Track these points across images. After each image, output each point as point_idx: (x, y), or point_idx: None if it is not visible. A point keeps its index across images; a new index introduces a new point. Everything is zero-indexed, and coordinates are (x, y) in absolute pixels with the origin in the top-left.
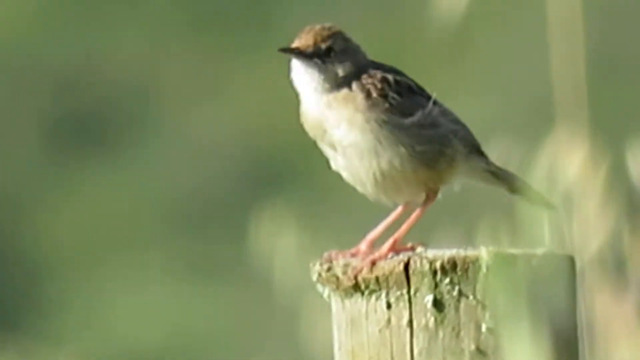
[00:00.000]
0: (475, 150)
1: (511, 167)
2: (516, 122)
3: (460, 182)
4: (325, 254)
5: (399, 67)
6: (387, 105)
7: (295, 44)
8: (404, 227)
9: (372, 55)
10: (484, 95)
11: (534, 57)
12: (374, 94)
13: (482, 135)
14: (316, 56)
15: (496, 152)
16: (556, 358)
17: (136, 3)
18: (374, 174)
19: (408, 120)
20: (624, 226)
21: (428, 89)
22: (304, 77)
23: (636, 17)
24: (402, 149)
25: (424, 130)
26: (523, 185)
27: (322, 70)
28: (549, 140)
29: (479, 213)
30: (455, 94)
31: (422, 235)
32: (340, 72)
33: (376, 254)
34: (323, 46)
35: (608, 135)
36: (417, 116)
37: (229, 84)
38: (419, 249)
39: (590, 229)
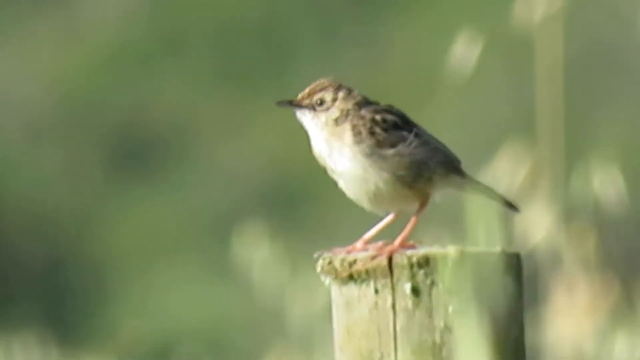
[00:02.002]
0: (454, 169)
1: (481, 179)
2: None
3: (443, 193)
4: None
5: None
6: (374, 140)
7: (298, 97)
8: (407, 229)
9: (373, 94)
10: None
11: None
12: (363, 132)
13: (463, 153)
14: (309, 106)
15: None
16: (501, 337)
17: (178, 58)
18: (367, 194)
19: (390, 151)
20: (562, 225)
21: (419, 119)
22: (304, 122)
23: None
24: (385, 174)
25: (404, 158)
26: (493, 193)
27: (313, 116)
28: (502, 155)
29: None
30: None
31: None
32: (331, 116)
33: (390, 248)
34: (315, 98)
35: (555, 152)
36: (399, 148)
37: (252, 123)
38: (419, 246)
39: (533, 227)
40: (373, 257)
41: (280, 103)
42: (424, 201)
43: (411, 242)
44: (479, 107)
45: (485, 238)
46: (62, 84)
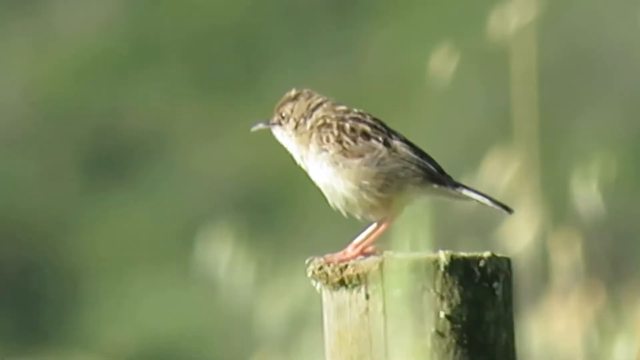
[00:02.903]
0: (430, 178)
1: (467, 182)
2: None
3: (424, 200)
4: (322, 257)
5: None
6: (340, 148)
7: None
8: (372, 237)
9: (349, 101)
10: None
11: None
12: (331, 140)
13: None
14: (277, 122)
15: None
16: (491, 342)
17: (154, 65)
18: (339, 202)
19: (356, 161)
20: (549, 227)
21: (394, 127)
22: (278, 138)
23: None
24: (350, 184)
25: (370, 168)
26: (482, 197)
27: (281, 130)
28: (490, 159)
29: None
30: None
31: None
32: (291, 126)
33: (347, 255)
34: (280, 113)
35: (539, 155)
36: (365, 157)
37: (227, 131)
38: (385, 253)
39: (521, 230)
40: (340, 268)
41: (254, 126)
42: (394, 211)
43: (371, 249)
44: (456, 115)
45: (413, 243)
46: (38, 91)
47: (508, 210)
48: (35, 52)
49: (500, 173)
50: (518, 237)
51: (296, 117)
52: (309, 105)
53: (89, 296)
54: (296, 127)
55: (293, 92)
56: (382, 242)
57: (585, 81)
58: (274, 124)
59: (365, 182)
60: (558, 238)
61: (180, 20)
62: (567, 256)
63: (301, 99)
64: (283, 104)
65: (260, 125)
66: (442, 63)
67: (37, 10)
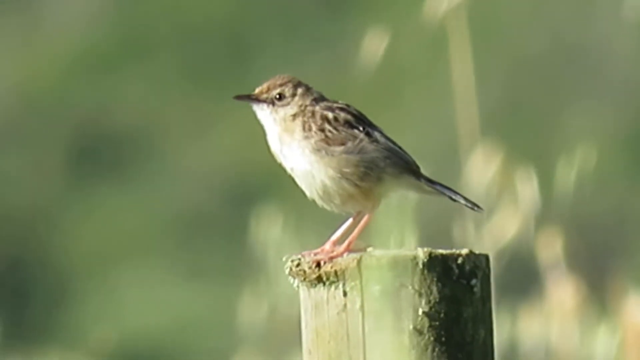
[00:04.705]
0: (408, 170)
1: (443, 180)
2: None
3: (399, 194)
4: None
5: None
6: (323, 136)
7: (255, 91)
8: (356, 232)
9: (337, 95)
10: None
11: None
12: (313, 128)
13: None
14: (268, 100)
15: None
16: (468, 339)
17: (142, 59)
18: (317, 191)
19: (339, 149)
20: (532, 224)
21: (375, 121)
22: (261, 116)
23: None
24: (331, 171)
25: (352, 156)
26: (454, 194)
27: (272, 111)
28: (471, 158)
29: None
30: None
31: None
32: (289, 112)
33: (335, 252)
34: (274, 92)
35: (519, 152)
36: (347, 145)
37: (216, 125)
38: (369, 249)
39: (504, 226)
40: (317, 264)
41: (239, 97)
42: (374, 202)
43: (363, 246)
44: (439, 107)
45: (397, 240)
46: (26, 85)
47: (478, 208)
48: (23, 47)
49: (483, 169)
50: (502, 233)
51: (297, 102)
52: (311, 95)
53: (75, 292)
54: (293, 115)
55: (294, 78)
56: (362, 238)
57: (571, 75)
58: (264, 102)
59: (347, 170)
60: (541, 233)
61: (168, 14)
62: (550, 251)
63: (303, 87)
64: (283, 85)
65: (246, 99)
66: (373, 47)
67: (25, 4)
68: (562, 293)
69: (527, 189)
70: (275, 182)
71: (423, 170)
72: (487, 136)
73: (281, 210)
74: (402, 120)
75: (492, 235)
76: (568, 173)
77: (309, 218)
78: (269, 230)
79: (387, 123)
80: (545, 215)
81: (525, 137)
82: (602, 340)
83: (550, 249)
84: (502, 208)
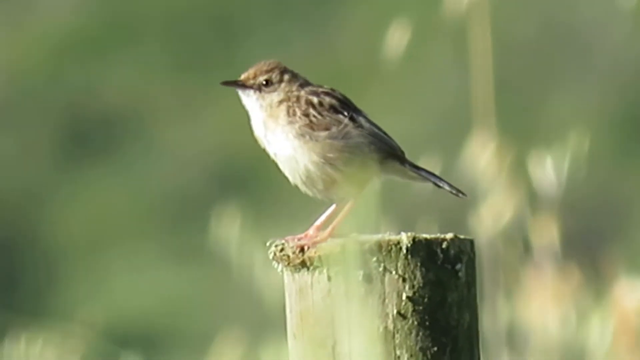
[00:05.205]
0: (392, 156)
1: (432, 166)
2: (440, 131)
3: (384, 180)
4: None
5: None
6: (307, 121)
7: (241, 77)
8: (339, 217)
9: (323, 79)
10: (410, 111)
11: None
12: (298, 113)
13: (408, 143)
14: (254, 86)
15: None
16: (453, 323)
17: (130, 42)
18: (300, 176)
19: (323, 134)
20: (527, 208)
21: (362, 106)
22: (247, 102)
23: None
24: (315, 157)
25: (336, 141)
26: (438, 180)
27: (258, 97)
28: (465, 143)
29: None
30: (388, 111)
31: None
32: (275, 97)
33: (318, 238)
34: (261, 78)
35: (512, 137)
36: (332, 130)
37: (203, 109)
38: (353, 235)
39: (498, 211)
40: (301, 249)
41: (226, 83)
42: (357, 188)
43: (347, 232)
44: (427, 93)
45: (363, 225)
46: (14, 67)
47: (462, 194)
48: (12, 29)
49: (478, 154)
50: (495, 218)
51: (283, 89)
52: (298, 81)
53: (65, 274)
54: (280, 101)
55: (280, 64)
56: (345, 223)
57: (562, 57)
58: (251, 87)
59: (330, 155)
60: (535, 218)
61: None
62: (544, 236)
63: (289, 73)
64: (270, 71)
65: (233, 85)
66: (396, 40)
67: None
68: (557, 278)
69: (521, 174)
70: (262, 166)
71: (426, 159)
72: (487, 124)
73: (259, 199)
74: (411, 106)
75: (487, 219)
76: (562, 157)
77: (288, 205)
78: (235, 222)
79: (390, 109)
80: (539, 200)
81: (515, 120)
82: (596, 324)
83: (545, 233)
84: (496, 193)
